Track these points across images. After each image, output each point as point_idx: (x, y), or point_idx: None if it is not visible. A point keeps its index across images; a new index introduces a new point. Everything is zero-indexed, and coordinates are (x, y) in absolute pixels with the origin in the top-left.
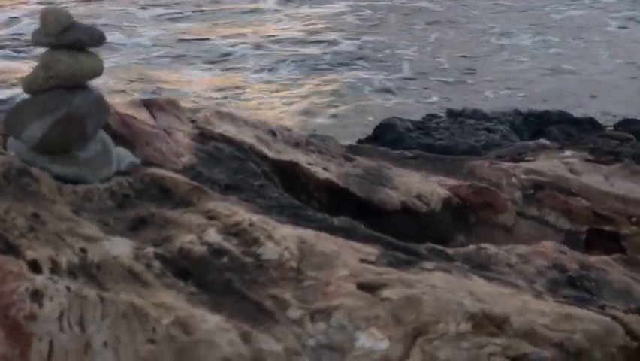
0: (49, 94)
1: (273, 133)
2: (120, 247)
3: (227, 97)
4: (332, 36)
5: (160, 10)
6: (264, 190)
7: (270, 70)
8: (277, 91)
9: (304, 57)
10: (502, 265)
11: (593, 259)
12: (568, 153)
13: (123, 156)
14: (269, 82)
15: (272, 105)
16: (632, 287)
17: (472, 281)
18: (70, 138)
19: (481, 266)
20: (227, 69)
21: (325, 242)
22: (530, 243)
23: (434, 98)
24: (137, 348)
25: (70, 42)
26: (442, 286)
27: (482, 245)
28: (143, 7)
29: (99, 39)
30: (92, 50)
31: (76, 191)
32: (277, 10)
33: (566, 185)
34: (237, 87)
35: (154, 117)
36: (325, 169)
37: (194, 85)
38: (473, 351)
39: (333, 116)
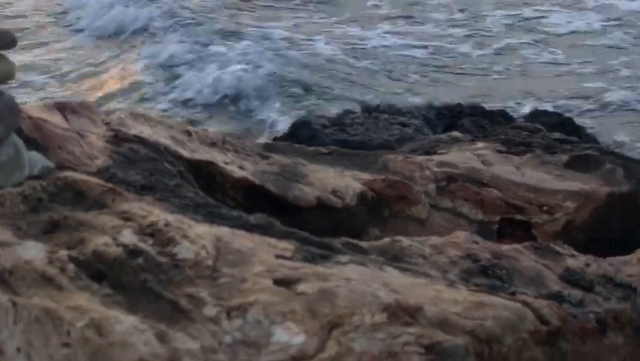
0: None
1: (189, 133)
2: (33, 252)
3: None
4: None
5: None
6: (180, 190)
7: None
8: None
9: None
10: (416, 257)
11: (504, 247)
12: (480, 144)
13: (36, 159)
14: None
15: None
16: (543, 274)
17: (387, 273)
18: None
19: (395, 258)
20: None
21: (241, 239)
22: (444, 234)
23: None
24: (51, 352)
25: None
26: (357, 279)
27: (396, 238)
28: None
29: (10, 42)
30: (3, 52)
31: None
32: None
33: (478, 176)
34: None
35: (67, 120)
36: (241, 167)
37: None
38: (388, 341)
39: None
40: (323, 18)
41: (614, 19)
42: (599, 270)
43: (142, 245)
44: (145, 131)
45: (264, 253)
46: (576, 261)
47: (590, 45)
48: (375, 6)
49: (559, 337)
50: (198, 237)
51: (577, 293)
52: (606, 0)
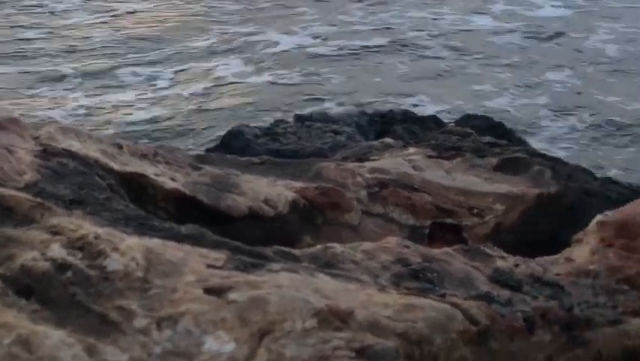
0: None
1: (119, 146)
2: None
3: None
4: None
5: None
6: (110, 203)
7: None
8: None
9: None
10: (348, 263)
11: (435, 251)
12: (411, 150)
13: None
14: None
15: None
16: (472, 275)
17: (318, 279)
18: None
19: (327, 265)
20: None
21: (172, 250)
22: (376, 240)
23: None
24: None
25: None
26: (288, 286)
27: (329, 244)
28: None
29: None
30: None
31: None
32: None
33: (410, 181)
34: None
35: None
36: (173, 179)
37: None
38: (319, 346)
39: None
40: None
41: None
42: (527, 270)
43: (71, 259)
44: (74, 145)
45: (195, 262)
46: (505, 262)
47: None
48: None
49: (487, 336)
50: (129, 249)
51: (505, 293)
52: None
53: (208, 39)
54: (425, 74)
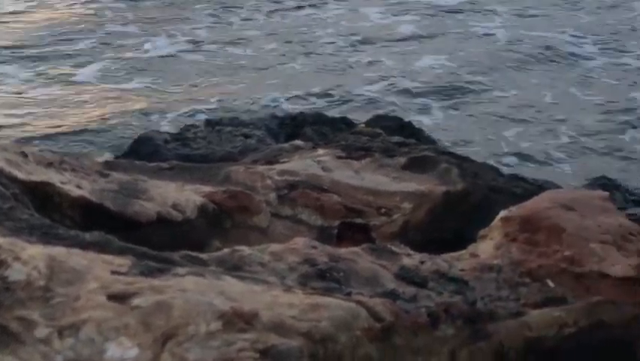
0: None
1: (24, 154)
2: None
3: None
4: None
5: None
6: (13, 212)
7: None
8: None
9: None
10: (255, 265)
11: (342, 251)
12: (321, 151)
13: None
14: None
15: None
16: (379, 274)
17: (225, 282)
18: None
19: (234, 267)
20: None
21: (76, 258)
22: (285, 241)
23: None
24: None
25: None
26: (193, 290)
27: (236, 247)
28: None
29: None
30: None
31: None
32: None
33: (319, 182)
34: None
35: None
36: (79, 186)
37: None
38: (223, 349)
39: None
40: None
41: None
42: (432, 266)
43: None
44: None
45: (100, 269)
46: (411, 259)
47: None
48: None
49: (391, 332)
50: (31, 258)
51: (411, 290)
52: None
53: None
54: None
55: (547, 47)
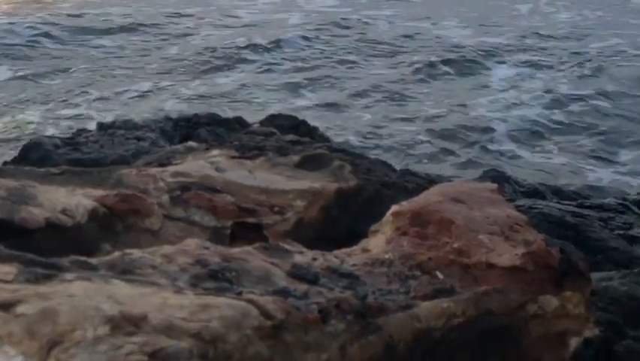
0: None
1: None
2: None
3: None
4: None
5: None
6: None
7: None
8: None
9: None
10: (146, 268)
11: (234, 250)
12: (214, 152)
13: None
14: None
15: None
16: (271, 272)
17: (113, 286)
18: None
19: (124, 271)
20: None
21: None
22: (177, 243)
23: None
24: None
25: None
26: (81, 295)
27: (127, 251)
28: None
29: None
30: None
31: None
32: None
33: (212, 183)
34: None
35: None
36: None
37: None
38: (110, 353)
39: None
40: None
41: None
42: (324, 263)
43: None
44: None
45: None
46: (303, 257)
47: None
48: None
49: (282, 330)
50: None
51: (302, 287)
52: None
53: None
54: None
55: None
